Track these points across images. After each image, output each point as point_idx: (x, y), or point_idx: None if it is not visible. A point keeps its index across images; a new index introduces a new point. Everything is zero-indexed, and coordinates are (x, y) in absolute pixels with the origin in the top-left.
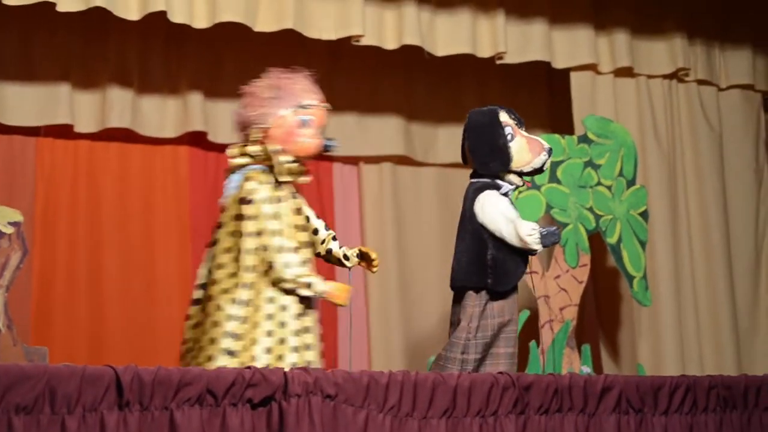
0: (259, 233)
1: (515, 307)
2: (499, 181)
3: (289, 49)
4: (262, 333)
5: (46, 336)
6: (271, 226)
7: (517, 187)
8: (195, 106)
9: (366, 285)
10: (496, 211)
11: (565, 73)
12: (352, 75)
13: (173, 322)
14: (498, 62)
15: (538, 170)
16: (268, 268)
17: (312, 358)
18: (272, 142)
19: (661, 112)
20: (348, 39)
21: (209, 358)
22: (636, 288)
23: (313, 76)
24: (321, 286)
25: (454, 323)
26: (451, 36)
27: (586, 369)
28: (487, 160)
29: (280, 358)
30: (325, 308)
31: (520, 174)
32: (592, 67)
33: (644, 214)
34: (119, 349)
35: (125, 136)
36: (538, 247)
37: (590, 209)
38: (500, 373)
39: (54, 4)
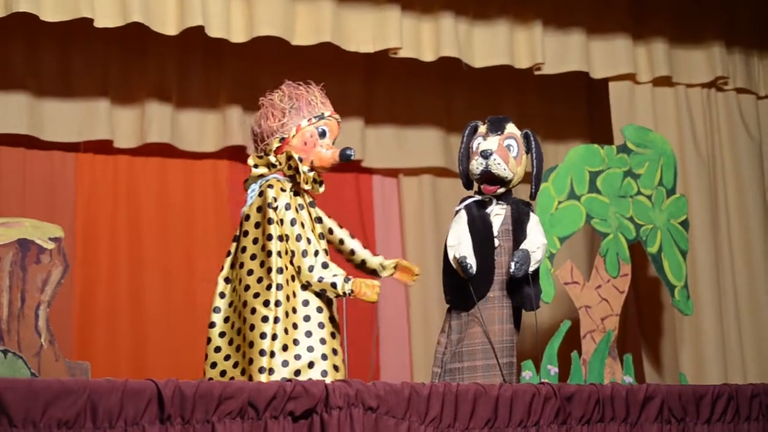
0: (282, 238)
1: (490, 318)
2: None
3: (326, 62)
4: (316, 340)
5: (88, 351)
6: (293, 231)
7: (481, 198)
8: (234, 121)
9: (407, 297)
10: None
11: (603, 83)
12: (390, 87)
13: None
14: (536, 73)
15: (480, 177)
16: (297, 272)
17: (339, 363)
18: (292, 152)
19: (700, 121)
20: (386, 51)
21: (251, 361)
22: (677, 297)
23: (323, 89)
24: (346, 285)
25: None
26: (488, 47)
27: (628, 379)
28: None
29: (323, 357)
30: (365, 319)
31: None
32: (630, 77)
33: (684, 223)
34: (161, 363)
35: (165, 150)
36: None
37: (630, 219)
38: (542, 383)
39: (92, 20)
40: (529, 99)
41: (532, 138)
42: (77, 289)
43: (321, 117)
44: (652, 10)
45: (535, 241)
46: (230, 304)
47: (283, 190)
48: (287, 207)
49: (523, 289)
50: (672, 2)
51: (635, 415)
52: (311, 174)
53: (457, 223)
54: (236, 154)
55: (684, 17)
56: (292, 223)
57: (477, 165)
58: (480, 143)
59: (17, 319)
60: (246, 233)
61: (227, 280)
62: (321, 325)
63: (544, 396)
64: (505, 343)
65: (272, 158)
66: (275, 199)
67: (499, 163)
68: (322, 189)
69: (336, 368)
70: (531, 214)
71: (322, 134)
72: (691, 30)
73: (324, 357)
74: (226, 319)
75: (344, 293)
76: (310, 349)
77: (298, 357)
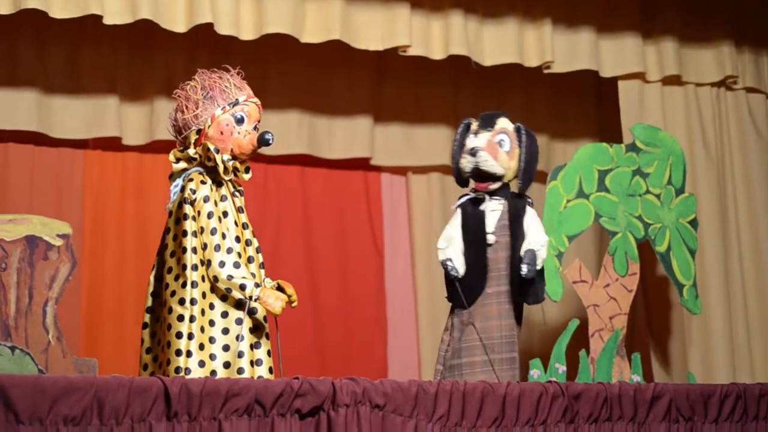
0: (198, 232)
1: (488, 314)
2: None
3: (335, 60)
4: (218, 348)
5: (96, 347)
6: (209, 224)
7: (476, 196)
8: None
9: (416, 295)
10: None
11: (612, 81)
12: (399, 85)
13: None
14: (545, 71)
15: (473, 174)
16: (207, 265)
17: (262, 372)
18: (209, 143)
19: (709, 120)
20: (395, 49)
21: (169, 362)
22: (686, 296)
23: (240, 74)
24: (255, 290)
25: None
26: (498, 45)
27: (637, 378)
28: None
29: (240, 354)
30: (375, 317)
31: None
32: (640, 76)
33: (693, 222)
34: None
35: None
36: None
37: (639, 218)
38: (549, 381)
39: (101, 17)
40: (538, 97)
41: (523, 132)
42: (85, 286)
43: (236, 103)
44: (661, 8)
45: (538, 239)
46: (163, 304)
47: (203, 182)
48: (206, 199)
49: (526, 284)
50: (681, 1)
51: (643, 414)
52: (231, 163)
53: (450, 224)
54: None
55: (693, 16)
56: (209, 215)
57: (466, 163)
58: (470, 140)
59: (25, 315)
60: (168, 230)
61: (159, 279)
62: (239, 321)
63: (552, 395)
64: (504, 338)
65: (191, 151)
66: (193, 192)
67: (486, 160)
68: (248, 176)
69: (257, 363)
70: (528, 208)
71: (240, 120)
72: (701, 29)
73: (240, 354)
74: (158, 319)
75: (250, 297)
76: (226, 348)
77: (213, 357)
